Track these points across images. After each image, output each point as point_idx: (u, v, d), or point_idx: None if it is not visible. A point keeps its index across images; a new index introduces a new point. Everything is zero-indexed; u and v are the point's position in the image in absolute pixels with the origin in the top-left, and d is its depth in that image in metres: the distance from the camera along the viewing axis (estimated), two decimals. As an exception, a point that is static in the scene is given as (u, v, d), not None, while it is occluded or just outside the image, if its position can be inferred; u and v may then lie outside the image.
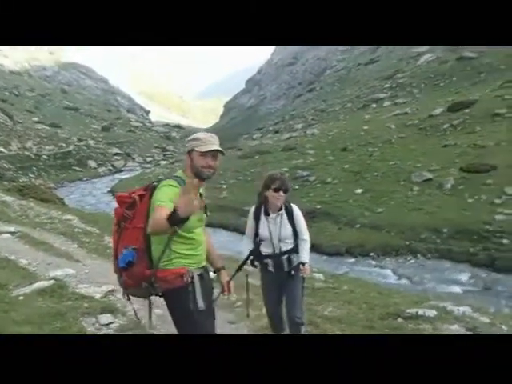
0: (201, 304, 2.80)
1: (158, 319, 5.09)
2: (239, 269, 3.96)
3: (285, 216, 3.90)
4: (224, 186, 26.17)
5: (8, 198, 18.12)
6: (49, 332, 4.27)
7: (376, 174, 21.63)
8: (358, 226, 17.40)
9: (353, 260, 15.37)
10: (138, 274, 2.81)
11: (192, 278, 2.81)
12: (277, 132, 49.29)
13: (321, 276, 8.70)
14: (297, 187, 22.09)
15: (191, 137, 2.95)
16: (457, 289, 12.39)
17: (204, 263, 3.02)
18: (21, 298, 5.43)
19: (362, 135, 28.76)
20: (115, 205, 2.98)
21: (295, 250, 3.94)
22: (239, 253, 4.20)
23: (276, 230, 3.88)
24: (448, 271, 13.66)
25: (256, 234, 3.98)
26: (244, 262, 3.96)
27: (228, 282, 3.26)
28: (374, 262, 14.97)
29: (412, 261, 14.68)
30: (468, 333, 5.04)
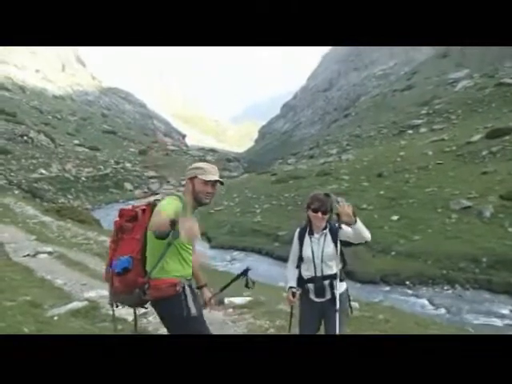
0: (193, 311, 2.99)
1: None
2: (228, 285, 3.79)
3: (329, 235, 3.81)
4: (258, 211, 26.18)
5: (47, 219, 18.63)
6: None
7: (412, 200, 21.22)
8: (393, 253, 17.05)
9: (388, 288, 15.02)
10: (131, 281, 3.02)
11: (183, 287, 3.02)
12: (311, 157, 49.24)
13: (356, 304, 8.51)
14: (331, 213, 21.90)
15: (194, 165, 3.22)
16: (497, 322, 11.91)
17: (191, 276, 3.24)
18: (55, 318, 5.50)
19: (398, 161, 28.40)
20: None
21: (339, 277, 3.79)
22: (284, 278, 4.12)
23: (319, 250, 3.78)
24: (487, 303, 13.17)
25: (300, 258, 3.88)
26: (235, 279, 3.74)
27: (209, 299, 3.49)
28: (409, 291, 14.58)
29: (449, 291, 14.24)
30: None
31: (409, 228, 18.75)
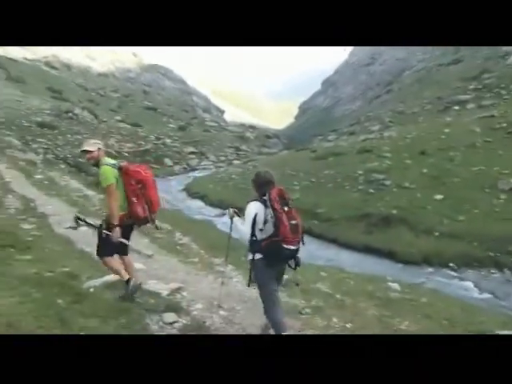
0: None
1: (223, 320, 4.97)
2: None
3: None
4: (296, 188, 25.87)
5: (90, 192, 18.97)
6: (114, 327, 4.28)
7: (457, 180, 20.43)
8: (436, 234, 16.46)
9: (431, 270, 14.48)
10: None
11: None
12: (352, 134, 48.28)
13: (396, 286, 8.21)
14: (372, 191, 21.37)
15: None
16: (548, 308, 11.31)
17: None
18: (91, 289, 5.49)
19: (443, 138, 27.38)
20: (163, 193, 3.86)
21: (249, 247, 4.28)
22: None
23: None
24: (538, 288, 12.54)
25: None
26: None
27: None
28: (453, 273, 14.02)
29: (497, 275, 13.61)
30: None
31: (453, 208, 18.07)
